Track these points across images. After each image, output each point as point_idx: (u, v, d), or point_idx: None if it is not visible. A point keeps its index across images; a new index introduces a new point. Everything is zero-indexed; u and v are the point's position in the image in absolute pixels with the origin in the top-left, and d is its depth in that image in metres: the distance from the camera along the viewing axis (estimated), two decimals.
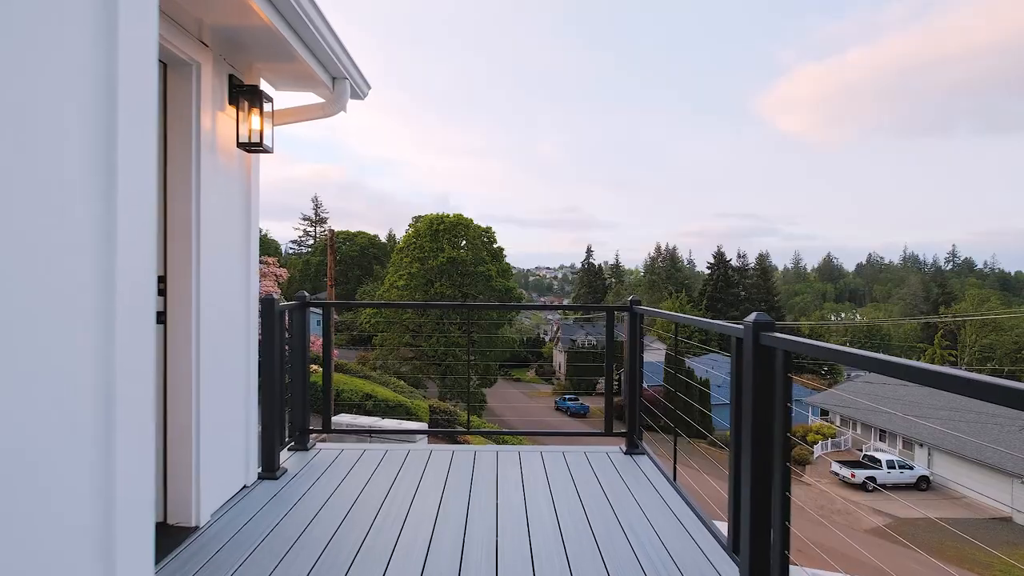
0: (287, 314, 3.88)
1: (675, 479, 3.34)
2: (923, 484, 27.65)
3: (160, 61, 2.69)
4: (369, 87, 3.90)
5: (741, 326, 2.19)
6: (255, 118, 3.06)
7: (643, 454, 4.06)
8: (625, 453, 4.09)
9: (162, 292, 2.76)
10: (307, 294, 4.07)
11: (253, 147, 3.11)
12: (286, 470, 3.65)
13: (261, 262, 21.76)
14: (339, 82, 3.49)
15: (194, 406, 2.78)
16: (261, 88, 3.18)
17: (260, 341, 3.53)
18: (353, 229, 65.50)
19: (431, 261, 34.74)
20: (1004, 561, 19.26)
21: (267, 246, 61.40)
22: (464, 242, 36.42)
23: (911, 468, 27.99)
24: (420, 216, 38.34)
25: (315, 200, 74.05)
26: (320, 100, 3.56)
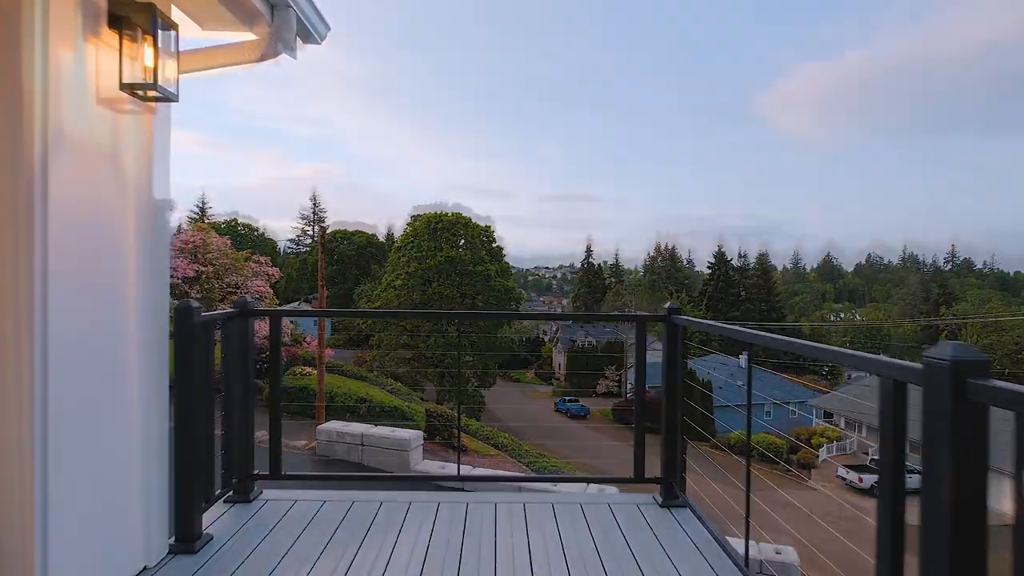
0: (220, 326, 2.96)
1: (747, 565, 2.40)
2: None
3: None
4: (328, 28, 2.98)
5: (918, 367, 1.27)
6: (148, 50, 2.13)
7: (684, 506, 3.14)
8: (662, 505, 3.17)
9: None
10: (250, 299, 3.15)
11: (147, 92, 2.18)
12: (211, 537, 2.71)
13: (254, 261, 20.79)
14: (280, 11, 2.56)
15: (38, 464, 1.85)
16: (161, 11, 2.25)
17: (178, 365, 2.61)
18: (351, 227, 64.14)
19: (429, 260, 33.79)
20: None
21: (264, 244, 60.24)
22: (463, 240, 35.49)
23: (920, 472, 27.19)
24: (418, 216, 37.32)
25: (313, 198, 72.68)
26: (255, 37, 2.63)
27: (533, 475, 4.08)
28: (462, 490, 3.36)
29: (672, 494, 3.17)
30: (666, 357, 3.12)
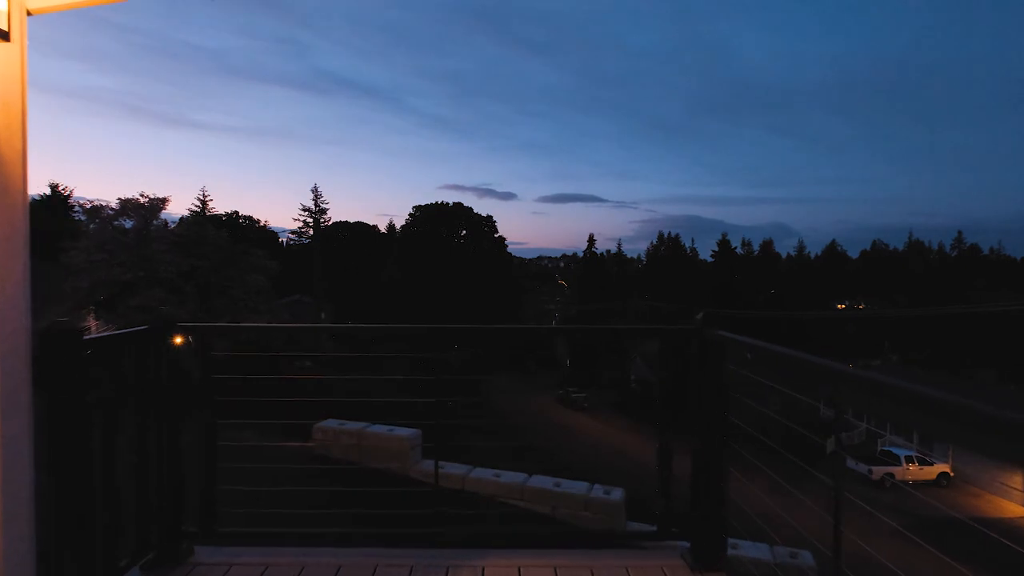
0: (127, 350, 2.31)
1: None
2: (943, 481, 26.35)
3: None
4: None
5: None
6: None
7: (722, 571, 2.48)
8: (692, 567, 2.51)
9: None
10: (171, 314, 2.49)
11: None
12: None
13: (252, 255, 20.06)
14: None
15: None
16: None
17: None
18: (352, 220, 63.03)
19: (429, 256, 33.23)
20: None
21: (265, 238, 59.37)
22: (464, 231, 34.92)
23: (930, 464, 26.75)
24: (420, 208, 36.62)
25: (315, 196, 70.73)
26: None
27: (531, 529, 3.30)
28: (443, 544, 2.71)
29: (704, 554, 2.51)
30: (699, 382, 2.45)
